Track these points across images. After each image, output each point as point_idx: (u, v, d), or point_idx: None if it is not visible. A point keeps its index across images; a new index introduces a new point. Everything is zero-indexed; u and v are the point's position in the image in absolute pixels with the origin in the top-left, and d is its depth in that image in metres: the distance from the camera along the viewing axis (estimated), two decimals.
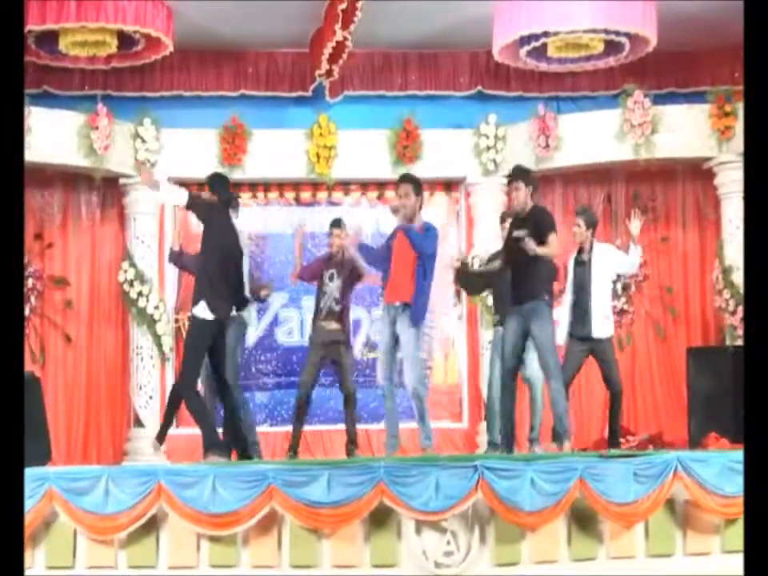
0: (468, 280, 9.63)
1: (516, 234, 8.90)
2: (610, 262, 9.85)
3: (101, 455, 12.56)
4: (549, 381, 8.95)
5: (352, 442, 10.36)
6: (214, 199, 9.10)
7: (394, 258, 8.96)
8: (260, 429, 12.13)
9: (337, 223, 10.40)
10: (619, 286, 12.97)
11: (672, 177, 13.32)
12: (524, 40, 11.40)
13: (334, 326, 10.23)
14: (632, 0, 11.07)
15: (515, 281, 9.01)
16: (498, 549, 7.89)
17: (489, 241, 12.98)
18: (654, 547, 8.12)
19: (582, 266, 9.78)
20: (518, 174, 9.23)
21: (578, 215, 9.91)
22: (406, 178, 9.26)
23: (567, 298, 9.84)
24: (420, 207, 9.11)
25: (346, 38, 11.27)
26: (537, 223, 8.94)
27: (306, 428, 12.92)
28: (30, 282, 12.19)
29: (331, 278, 10.22)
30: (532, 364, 9.54)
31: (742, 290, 11.66)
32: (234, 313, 9.25)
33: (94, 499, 7.62)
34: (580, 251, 9.82)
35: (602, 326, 9.66)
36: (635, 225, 9.96)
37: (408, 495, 7.69)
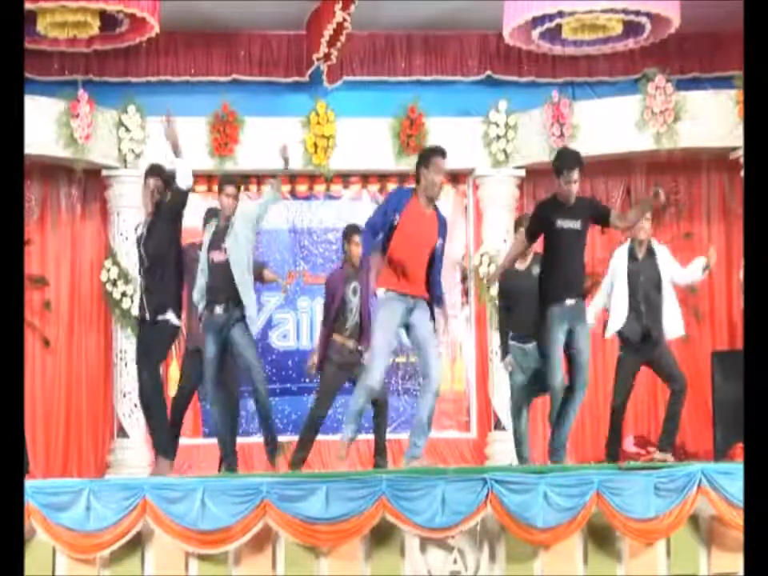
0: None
1: (565, 224, 8.72)
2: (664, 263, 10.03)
3: (82, 467, 12.58)
4: (578, 391, 8.80)
5: (380, 455, 10.32)
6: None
7: (411, 238, 8.30)
8: (252, 439, 12.17)
9: (355, 229, 10.17)
10: None
11: (696, 168, 13.34)
12: (537, 21, 11.40)
13: (353, 344, 10.14)
14: None
15: (559, 275, 8.77)
16: (509, 568, 7.91)
17: (498, 237, 13.02)
18: (677, 566, 8.13)
19: (638, 264, 9.86)
20: (577, 162, 8.83)
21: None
22: (442, 152, 8.59)
23: (620, 300, 9.81)
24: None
25: (345, 19, 11.28)
26: (595, 210, 8.94)
27: None
28: None
29: (354, 293, 10.10)
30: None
31: None
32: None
33: (74, 515, 7.63)
34: (633, 249, 9.90)
35: (676, 324, 9.91)
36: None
37: (412, 510, 7.70)
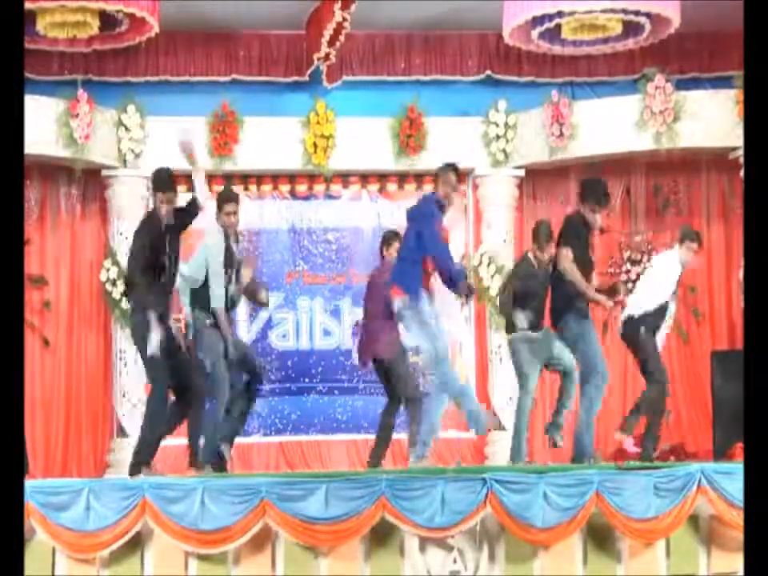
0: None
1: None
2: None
3: (81, 467, 12.58)
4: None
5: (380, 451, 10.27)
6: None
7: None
8: (252, 439, 12.18)
9: (395, 236, 10.11)
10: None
11: (696, 168, 13.34)
12: (536, 21, 11.40)
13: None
14: None
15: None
16: (509, 568, 7.91)
17: (498, 236, 13.02)
18: (677, 566, 8.14)
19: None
20: (607, 200, 9.46)
21: (695, 240, 10.30)
22: (452, 167, 8.87)
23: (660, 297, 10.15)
24: None
25: (345, 19, 11.28)
26: None
27: (303, 438, 13.00)
28: None
29: None
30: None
31: None
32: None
33: (74, 515, 7.64)
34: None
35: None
36: None
37: (412, 510, 7.70)
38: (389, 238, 10.31)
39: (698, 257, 10.57)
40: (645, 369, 10.07)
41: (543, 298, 9.65)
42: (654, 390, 10.00)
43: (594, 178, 9.56)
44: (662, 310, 10.08)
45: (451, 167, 8.72)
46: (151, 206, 10.19)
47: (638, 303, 10.21)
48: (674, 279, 10.17)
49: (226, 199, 9.06)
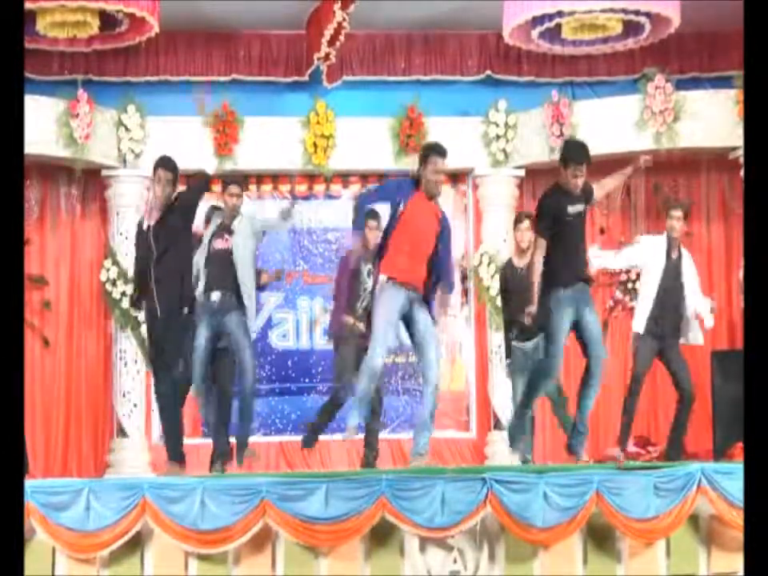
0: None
1: (574, 209, 8.64)
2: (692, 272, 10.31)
3: (81, 467, 12.58)
4: (594, 377, 8.76)
5: (372, 451, 10.30)
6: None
7: (415, 228, 8.39)
8: (252, 439, 12.13)
9: (374, 215, 10.23)
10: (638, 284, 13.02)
11: (696, 168, 13.34)
12: (536, 21, 11.40)
13: (363, 327, 10.08)
14: None
15: (568, 260, 8.69)
16: (509, 568, 7.91)
17: (498, 236, 13.02)
18: (677, 566, 8.13)
19: (672, 262, 10.08)
20: (586, 157, 8.70)
21: (677, 208, 10.23)
22: (439, 151, 8.58)
23: (649, 291, 10.04)
24: None
25: (345, 19, 11.29)
26: (588, 190, 8.89)
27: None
28: None
29: (369, 275, 10.08)
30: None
31: None
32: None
33: (74, 514, 7.63)
34: (670, 246, 10.09)
35: (697, 331, 10.22)
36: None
37: (412, 510, 7.70)
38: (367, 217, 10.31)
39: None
40: (674, 383, 10.16)
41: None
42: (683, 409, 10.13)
43: (573, 140, 9.19)
44: (670, 305, 10.02)
45: (435, 150, 8.47)
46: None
47: (637, 312, 10.15)
48: (659, 264, 10.02)
49: (230, 181, 9.45)
